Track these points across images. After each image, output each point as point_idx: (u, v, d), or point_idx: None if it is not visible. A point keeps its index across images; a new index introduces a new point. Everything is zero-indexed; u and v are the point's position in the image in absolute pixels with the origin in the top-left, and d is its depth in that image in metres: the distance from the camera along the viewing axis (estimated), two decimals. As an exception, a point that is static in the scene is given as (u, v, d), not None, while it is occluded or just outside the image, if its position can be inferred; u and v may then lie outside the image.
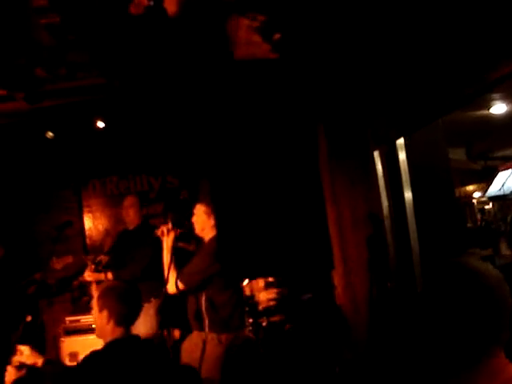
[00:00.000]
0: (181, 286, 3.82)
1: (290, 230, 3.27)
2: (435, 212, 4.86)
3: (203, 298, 3.90)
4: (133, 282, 3.08)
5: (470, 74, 3.33)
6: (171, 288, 3.84)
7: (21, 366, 2.70)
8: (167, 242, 3.96)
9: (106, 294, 2.73)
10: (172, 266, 3.86)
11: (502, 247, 9.99)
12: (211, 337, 3.83)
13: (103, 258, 5.03)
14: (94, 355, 2.61)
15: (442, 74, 3.65)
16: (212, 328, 3.85)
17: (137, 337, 2.75)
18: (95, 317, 2.73)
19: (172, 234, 3.98)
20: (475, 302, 1.34)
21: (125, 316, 2.71)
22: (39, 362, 2.73)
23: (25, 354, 2.76)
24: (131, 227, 5.16)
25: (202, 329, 3.92)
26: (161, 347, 3.01)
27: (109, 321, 2.67)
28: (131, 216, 5.14)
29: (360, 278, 5.04)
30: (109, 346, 2.64)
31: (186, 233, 4.19)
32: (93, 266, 4.94)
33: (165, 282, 3.84)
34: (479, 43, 3.17)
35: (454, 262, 1.45)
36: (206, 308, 3.87)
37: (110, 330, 2.67)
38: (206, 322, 3.86)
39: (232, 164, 3.67)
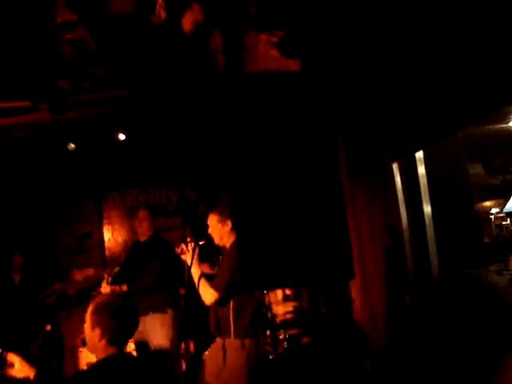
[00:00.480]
0: (215, 296, 3.86)
1: (311, 242, 3.28)
2: (454, 226, 4.85)
3: (231, 305, 3.92)
4: (129, 297, 2.89)
5: (489, 87, 3.34)
6: (209, 299, 3.88)
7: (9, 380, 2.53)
8: (189, 258, 4.00)
9: (99, 310, 2.52)
10: (202, 279, 3.92)
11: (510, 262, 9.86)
12: (236, 343, 3.87)
13: (118, 270, 5.09)
14: (80, 374, 2.50)
15: (461, 87, 3.67)
16: (237, 335, 3.88)
17: (130, 356, 2.61)
18: (87, 333, 2.53)
19: (191, 247, 4.01)
20: (487, 310, 1.35)
21: (118, 334, 2.50)
22: (31, 374, 2.54)
23: (15, 367, 2.55)
24: (143, 239, 5.23)
25: (220, 335, 3.97)
26: (159, 367, 2.75)
27: (101, 339, 2.47)
28: (144, 228, 5.21)
29: (378, 292, 5.03)
30: (99, 365, 2.46)
31: (206, 246, 4.22)
32: (109, 279, 4.97)
33: (195, 295, 3.89)
34: (499, 56, 3.18)
35: (466, 274, 1.46)
36: (233, 315, 3.90)
37: (102, 349, 2.48)
38: (232, 328, 3.88)
39: (253, 176, 3.68)
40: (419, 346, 4.52)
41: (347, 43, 4.28)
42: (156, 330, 4.86)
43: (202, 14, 4.10)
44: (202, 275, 3.96)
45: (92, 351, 2.54)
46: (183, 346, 5.89)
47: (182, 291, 5.27)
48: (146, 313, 4.88)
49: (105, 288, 4.93)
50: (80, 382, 2.41)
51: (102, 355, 2.47)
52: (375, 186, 4.71)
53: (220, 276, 3.91)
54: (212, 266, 4.25)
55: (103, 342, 2.46)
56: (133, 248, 5.35)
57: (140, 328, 4.84)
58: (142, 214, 5.28)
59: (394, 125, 4.64)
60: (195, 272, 3.97)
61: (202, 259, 4.10)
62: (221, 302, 3.88)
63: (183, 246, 4.05)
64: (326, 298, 5.61)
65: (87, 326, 2.52)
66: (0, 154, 5.90)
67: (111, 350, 2.47)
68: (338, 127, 4.86)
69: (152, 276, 4.90)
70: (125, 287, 4.91)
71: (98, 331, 2.46)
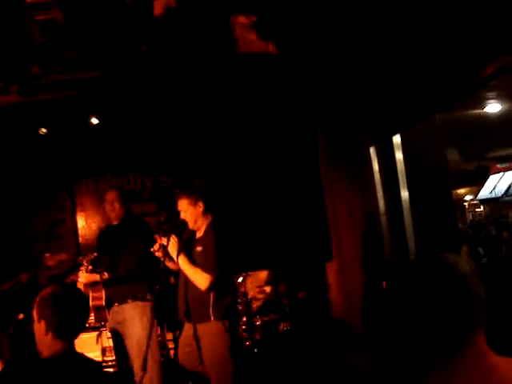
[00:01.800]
0: (210, 278, 3.83)
1: (287, 224, 3.26)
2: (431, 211, 4.86)
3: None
4: (75, 288, 2.78)
5: (464, 69, 3.34)
6: (204, 283, 3.85)
7: None
8: (173, 252, 3.95)
9: (43, 302, 2.39)
10: (192, 266, 3.90)
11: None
12: (216, 325, 3.85)
13: (95, 257, 4.86)
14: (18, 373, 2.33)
15: (436, 70, 3.66)
16: (217, 317, 3.86)
17: (79, 355, 2.43)
18: (35, 327, 2.40)
19: (172, 242, 3.96)
20: (449, 290, 1.35)
21: (64, 328, 2.36)
22: None
23: None
24: (116, 222, 4.96)
25: (190, 321, 3.94)
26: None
27: (47, 333, 2.34)
28: (117, 210, 4.91)
29: (355, 276, 5.03)
30: (41, 364, 2.36)
31: (181, 232, 4.17)
32: (90, 267, 4.74)
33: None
34: (473, 38, 3.18)
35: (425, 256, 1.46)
36: (214, 297, 3.88)
37: (49, 343, 2.35)
38: (211, 310, 3.86)
39: (229, 159, 3.65)
40: (392, 329, 4.54)
41: (324, 27, 4.25)
42: (135, 320, 4.70)
43: (175, -1, 4.05)
44: (189, 261, 3.93)
45: (40, 347, 2.42)
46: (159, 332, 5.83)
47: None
48: (125, 301, 4.74)
49: (83, 278, 4.73)
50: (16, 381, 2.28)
51: (48, 351, 2.36)
52: (352, 170, 4.70)
53: (208, 258, 3.88)
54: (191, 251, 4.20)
55: (49, 336, 2.35)
56: (106, 233, 5.14)
57: (119, 318, 4.78)
58: (110, 195, 4.95)
59: (371, 108, 4.63)
60: (183, 261, 3.93)
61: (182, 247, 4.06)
62: (215, 284, 3.85)
63: (159, 242, 4.01)
64: (303, 284, 5.60)
65: (34, 319, 2.40)
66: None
67: (58, 346, 2.35)
68: (315, 112, 4.84)
69: (134, 259, 4.71)
70: (105, 275, 4.74)
71: (42, 324, 2.35)
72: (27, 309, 5.45)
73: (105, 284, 4.77)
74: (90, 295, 4.83)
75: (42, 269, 5.99)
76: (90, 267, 4.66)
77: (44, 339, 2.37)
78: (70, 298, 2.44)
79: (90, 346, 5.41)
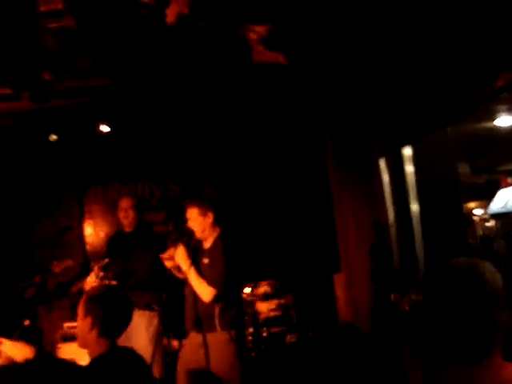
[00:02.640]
0: (214, 292, 3.82)
1: (297, 235, 3.24)
2: (441, 225, 4.83)
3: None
4: (121, 290, 2.83)
5: (474, 82, 3.32)
6: (207, 296, 3.84)
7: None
8: (181, 262, 3.94)
9: (92, 300, 2.50)
10: (197, 277, 3.89)
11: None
12: (222, 335, 3.84)
13: (106, 263, 4.81)
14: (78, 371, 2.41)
15: (447, 82, 3.65)
16: (223, 327, 3.85)
17: (126, 350, 2.57)
18: (78, 324, 2.50)
19: (181, 251, 3.94)
20: (474, 297, 1.38)
21: (109, 325, 2.47)
22: (30, 353, 2.40)
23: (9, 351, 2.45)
24: (128, 229, 4.95)
25: (200, 331, 3.92)
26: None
27: (92, 329, 2.43)
28: (130, 218, 4.88)
29: (363, 289, 4.99)
30: (94, 364, 2.42)
31: (188, 240, 4.15)
32: (101, 273, 4.70)
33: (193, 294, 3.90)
34: (485, 50, 3.16)
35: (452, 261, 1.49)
36: (220, 307, 3.87)
37: (94, 341, 2.45)
38: (217, 321, 3.85)
39: (239, 169, 3.64)
40: (401, 343, 4.49)
41: (335, 39, 4.25)
42: (141, 330, 4.67)
43: (187, 7, 4.05)
44: (196, 273, 3.92)
45: (83, 345, 2.50)
46: (166, 342, 5.80)
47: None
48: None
49: (90, 282, 4.71)
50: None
51: (94, 349, 2.43)
52: (362, 182, 4.68)
53: (215, 271, 3.86)
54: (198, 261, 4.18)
55: (94, 333, 2.43)
56: (117, 239, 5.10)
57: None
58: (125, 202, 4.93)
59: (381, 120, 4.62)
60: (191, 272, 3.92)
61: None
62: (219, 297, 3.83)
63: (169, 252, 4.00)
64: (311, 295, 5.57)
65: (79, 316, 2.49)
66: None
67: (103, 344, 2.44)
68: (325, 122, 4.83)
69: (145, 268, 4.69)
70: (114, 283, 4.71)
71: (88, 320, 2.43)
72: (33, 315, 5.46)
73: None
74: None
75: (49, 275, 5.98)
76: (102, 273, 4.62)
77: (88, 337, 2.45)
78: (117, 298, 2.56)
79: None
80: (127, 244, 4.85)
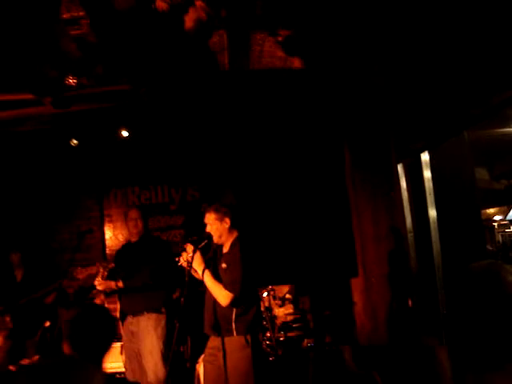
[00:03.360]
0: (231, 296, 3.86)
1: (315, 240, 3.25)
2: (459, 231, 4.81)
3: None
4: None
5: (493, 86, 3.31)
6: (224, 301, 3.88)
7: None
8: (197, 265, 3.99)
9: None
10: (214, 281, 3.92)
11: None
12: (239, 340, 3.87)
13: (113, 265, 4.98)
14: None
15: (466, 85, 3.64)
16: (239, 331, 3.88)
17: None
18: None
19: (197, 256, 3.99)
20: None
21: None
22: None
23: None
24: (135, 239, 5.15)
25: (219, 335, 3.95)
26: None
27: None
28: (139, 228, 5.11)
29: (381, 295, 4.98)
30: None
31: (206, 245, 4.20)
32: (105, 273, 4.87)
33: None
34: (506, 53, 3.16)
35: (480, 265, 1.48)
36: (236, 312, 3.90)
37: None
38: (233, 326, 3.88)
39: (257, 174, 3.66)
40: (421, 349, 4.47)
41: (352, 43, 4.26)
42: (149, 330, 4.79)
43: (205, 12, 4.09)
44: (213, 277, 3.96)
45: None
46: (182, 349, 5.85)
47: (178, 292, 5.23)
48: (140, 313, 4.83)
49: (99, 284, 4.85)
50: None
51: None
52: (380, 187, 4.67)
53: (231, 275, 3.90)
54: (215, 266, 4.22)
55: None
56: (124, 249, 5.27)
57: (134, 328, 4.85)
58: (134, 213, 5.19)
59: (399, 125, 4.61)
60: (206, 276, 3.96)
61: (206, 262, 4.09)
62: (236, 301, 3.86)
63: (184, 256, 4.04)
64: (328, 300, 5.57)
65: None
66: (3, 149, 5.88)
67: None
68: (342, 126, 4.84)
69: (147, 274, 4.82)
70: (120, 283, 4.85)
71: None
72: (53, 316, 5.53)
73: (120, 294, 4.89)
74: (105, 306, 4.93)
75: (70, 279, 6.06)
76: (106, 273, 4.78)
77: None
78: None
79: (114, 356, 5.45)
80: (133, 252, 5.03)
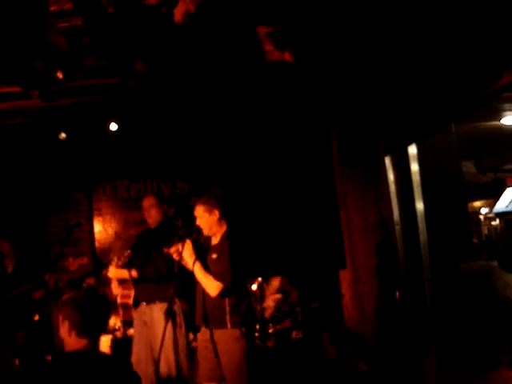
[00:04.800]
0: (221, 286, 3.88)
1: (303, 232, 3.27)
2: (446, 224, 4.85)
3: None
4: (94, 292, 2.96)
5: (482, 77, 3.34)
6: (214, 291, 3.91)
7: None
8: (187, 256, 4.01)
9: (65, 304, 2.62)
10: (204, 272, 3.94)
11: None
12: (233, 332, 3.90)
13: (128, 254, 4.92)
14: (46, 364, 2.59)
15: (451, 79, 3.67)
16: (234, 324, 3.92)
17: (100, 354, 2.68)
18: (60, 330, 2.62)
19: (187, 247, 4.01)
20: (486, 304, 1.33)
21: (85, 326, 2.56)
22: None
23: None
24: (153, 226, 5.08)
25: (207, 327, 3.98)
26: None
27: (70, 332, 2.55)
28: (153, 216, 5.04)
29: (368, 286, 5.02)
30: (62, 358, 2.58)
31: (196, 238, 4.22)
32: (120, 262, 4.81)
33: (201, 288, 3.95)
34: (491, 47, 3.19)
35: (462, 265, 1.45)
36: (230, 305, 3.93)
37: (74, 342, 2.55)
38: (227, 318, 3.92)
39: (245, 166, 3.68)
40: (407, 340, 4.52)
41: (340, 35, 4.28)
42: (162, 321, 4.76)
43: (194, 5, 4.09)
44: (202, 268, 3.98)
45: (66, 347, 2.61)
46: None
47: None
48: (153, 301, 4.81)
49: (112, 272, 4.83)
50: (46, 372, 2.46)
51: (72, 348, 2.55)
52: (367, 179, 4.70)
53: (221, 265, 3.92)
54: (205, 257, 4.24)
55: (73, 335, 2.53)
56: (142, 236, 5.21)
57: (147, 318, 4.85)
58: (147, 202, 5.12)
59: (387, 118, 4.64)
60: (196, 267, 3.98)
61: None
62: (226, 292, 3.89)
63: (175, 247, 4.06)
64: (316, 292, 5.60)
65: (59, 321, 2.60)
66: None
67: (82, 342, 2.53)
68: (330, 119, 4.86)
69: (161, 264, 4.78)
70: (134, 272, 4.82)
71: (66, 325, 2.55)
72: (43, 310, 5.53)
73: (134, 283, 4.87)
74: (120, 292, 4.91)
75: (60, 272, 6.06)
76: (120, 262, 4.74)
77: (68, 339, 2.55)
78: (90, 300, 2.65)
79: (104, 347, 5.46)
80: (151, 239, 4.98)
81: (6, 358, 2.65)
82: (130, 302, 4.95)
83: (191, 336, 4.88)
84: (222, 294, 3.89)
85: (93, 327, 2.60)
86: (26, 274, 5.42)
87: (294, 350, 5.47)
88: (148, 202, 5.07)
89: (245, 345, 3.90)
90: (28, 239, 6.51)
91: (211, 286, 3.92)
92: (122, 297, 5.01)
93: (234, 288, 3.94)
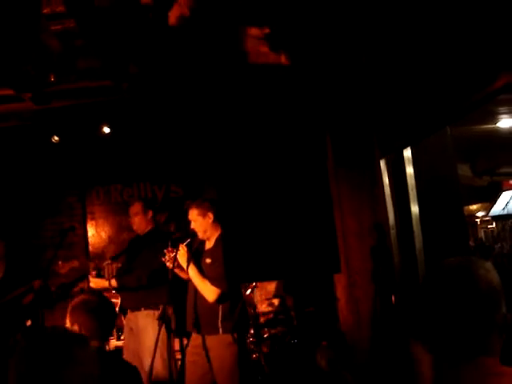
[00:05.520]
0: (218, 291, 3.85)
1: (297, 235, 3.24)
2: (442, 227, 4.82)
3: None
4: (103, 296, 2.92)
5: (477, 80, 3.32)
6: (211, 296, 3.87)
7: None
8: (182, 262, 3.97)
9: (76, 308, 2.63)
10: (200, 278, 3.91)
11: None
12: (225, 338, 3.87)
13: (107, 264, 4.91)
14: None
15: (447, 81, 3.65)
16: (226, 330, 3.88)
17: (108, 353, 2.74)
18: None
19: (182, 252, 3.97)
20: (470, 295, 1.38)
21: (96, 331, 2.57)
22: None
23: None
24: (141, 233, 5.05)
25: (199, 332, 3.94)
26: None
27: None
28: (137, 223, 5.02)
29: (364, 290, 4.99)
30: None
31: (191, 242, 4.19)
32: (94, 273, 4.84)
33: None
34: (487, 49, 3.17)
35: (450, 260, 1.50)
36: (222, 310, 3.89)
37: None
38: (219, 324, 3.88)
39: (240, 169, 3.65)
40: (404, 346, 4.49)
41: (335, 38, 4.26)
42: (148, 329, 4.72)
43: (188, 8, 4.07)
44: (198, 272, 3.95)
45: None
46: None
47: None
48: (138, 309, 4.78)
49: (92, 281, 4.82)
50: None
51: None
52: (362, 182, 4.67)
53: (216, 271, 3.89)
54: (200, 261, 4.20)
55: None
56: (132, 243, 5.19)
57: (132, 325, 4.82)
58: (132, 209, 5.09)
59: (382, 120, 4.62)
60: (193, 271, 3.95)
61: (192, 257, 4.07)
62: (223, 297, 3.86)
63: (169, 254, 4.02)
64: (311, 297, 5.57)
65: (67, 325, 2.58)
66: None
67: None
68: (325, 121, 4.83)
69: (145, 271, 4.74)
70: (114, 282, 4.79)
71: (76, 329, 2.52)
72: (35, 315, 5.47)
73: (116, 292, 4.85)
74: None
75: (52, 276, 6.01)
76: (94, 273, 4.74)
77: None
78: (101, 304, 2.66)
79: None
80: (136, 247, 4.95)
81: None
82: (116, 309, 4.92)
83: (185, 341, 4.85)
84: (219, 299, 3.86)
85: (104, 331, 2.62)
86: (16, 278, 5.36)
87: (289, 354, 5.44)
88: (134, 210, 5.05)
89: (237, 350, 3.87)
90: (22, 243, 6.46)
91: (208, 291, 3.88)
92: None
93: (230, 293, 3.90)
